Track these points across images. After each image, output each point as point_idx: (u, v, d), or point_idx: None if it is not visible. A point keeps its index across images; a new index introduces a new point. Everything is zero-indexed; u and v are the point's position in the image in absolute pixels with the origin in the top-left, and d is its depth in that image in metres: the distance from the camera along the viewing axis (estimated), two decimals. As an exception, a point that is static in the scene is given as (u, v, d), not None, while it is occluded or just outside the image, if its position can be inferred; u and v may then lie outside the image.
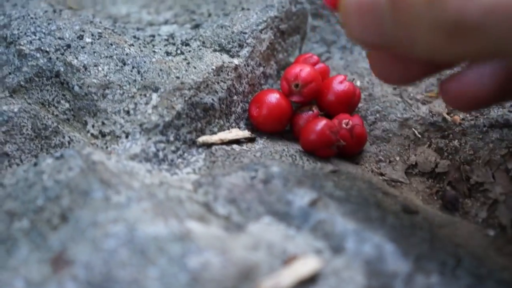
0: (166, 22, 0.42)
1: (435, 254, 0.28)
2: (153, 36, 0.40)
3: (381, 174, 0.36)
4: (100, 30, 0.38)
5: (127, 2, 0.46)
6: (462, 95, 0.27)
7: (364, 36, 0.26)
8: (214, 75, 0.36)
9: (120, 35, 0.38)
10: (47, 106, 0.35)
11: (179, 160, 0.34)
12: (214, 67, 0.36)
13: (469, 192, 0.34)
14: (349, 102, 0.38)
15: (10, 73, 0.36)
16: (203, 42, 0.38)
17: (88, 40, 0.37)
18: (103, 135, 0.34)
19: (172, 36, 0.40)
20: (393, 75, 0.29)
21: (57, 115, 0.35)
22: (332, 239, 0.27)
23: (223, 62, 0.37)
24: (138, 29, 0.41)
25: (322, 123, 0.35)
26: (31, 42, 0.36)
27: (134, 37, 0.39)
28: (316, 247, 0.27)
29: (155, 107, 0.34)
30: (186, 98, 0.34)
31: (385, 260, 0.27)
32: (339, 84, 0.37)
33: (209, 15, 0.42)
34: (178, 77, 0.35)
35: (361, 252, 0.27)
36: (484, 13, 0.21)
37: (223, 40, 0.38)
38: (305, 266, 0.26)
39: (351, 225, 0.28)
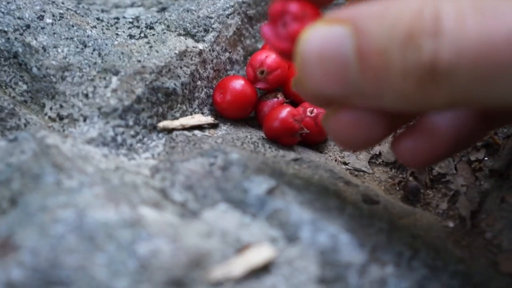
0: (132, 5, 0.41)
1: (392, 245, 0.28)
2: (118, 18, 0.39)
3: (345, 163, 0.36)
4: (61, 11, 0.37)
5: (94, -17, 0.45)
6: (417, 152, 0.27)
7: (325, 87, 0.24)
8: (177, 60, 0.35)
9: (82, 16, 0.38)
10: (4, 88, 0.34)
11: (138, 145, 0.33)
12: (177, 52, 0.35)
13: (431, 183, 0.34)
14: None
15: (-33, 53, 0.35)
16: (168, 26, 0.38)
17: (49, 20, 0.36)
18: (61, 118, 0.33)
19: (137, 18, 0.39)
20: (356, 138, 0.26)
21: (14, 97, 0.34)
22: (287, 228, 0.27)
23: (187, 47, 0.36)
24: (102, 10, 0.40)
25: (285, 110, 0.34)
26: (-11, 21, 0.35)
27: (98, 19, 0.38)
28: (271, 235, 0.27)
29: (114, 90, 0.33)
30: (147, 82, 0.34)
31: (340, 251, 0.26)
32: (305, 72, 0.37)
33: (176, -2, 0.41)
34: (139, 61, 0.34)
35: (315, 242, 0.26)
36: (456, 57, 0.21)
37: (188, 25, 0.38)
38: (258, 254, 0.26)
39: (308, 214, 0.28)
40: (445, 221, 0.32)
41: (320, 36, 0.24)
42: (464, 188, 0.33)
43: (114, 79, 0.33)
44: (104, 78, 0.34)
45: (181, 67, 0.35)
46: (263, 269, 0.25)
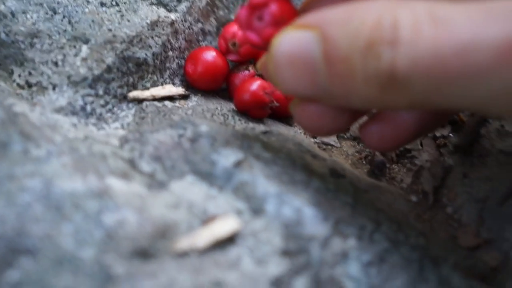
0: (104, -29, 0.41)
1: (355, 219, 0.28)
2: (89, -16, 0.38)
3: (313, 137, 0.37)
4: (31, -24, 0.36)
5: None
6: (382, 138, 0.28)
7: (296, 88, 0.26)
8: (149, 30, 0.35)
9: (53, -18, 0.37)
10: (-29, 53, 0.34)
11: (108, 114, 0.33)
12: (148, 21, 0.35)
13: (397, 158, 0.35)
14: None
15: None
16: (140, -6, 0.37)
17: (18, -15, 0.35)
18: (30, 85, 0.33)
19: (109, -15, 0.38)
20: (321, 127, 0.28)
21: (-19, 63, 0.34)
22: (253, 201, 0.28)
23: (159, 17, 0.36)
24: (74, -24, 0.39)
25: (256, 83, 0.35)
26: (-44, -16, 0.35)
27: (69, -16, 0.38)
28: (237, 208, 0.27)
29: (84, 59, 0.33)
30: (118, 52, 0.33)
31: (304, 224, 0.27)
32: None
33: (149, -34, 0.40)
34: (110, 30, 0.34)
35: (280, 214, 0.27)
36: (412, 65, 0.21)
37: (160, -7, 0.37)
38: (224, 226, 0.26)
39: (274, 187, 0.28)
40: (409, 195, 0.33)
41: (290, 41, 0.25)
42: (428, 163, 0.34)
43: (84, 47, 0.33)
44: (74, 46, 0.33)
45: (152, 37, 0.35)
46: (229, 241, 0.26)
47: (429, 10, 0.22)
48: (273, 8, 0.26)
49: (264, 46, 0.27)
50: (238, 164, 0.29)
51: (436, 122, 0.29)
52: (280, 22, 0.26)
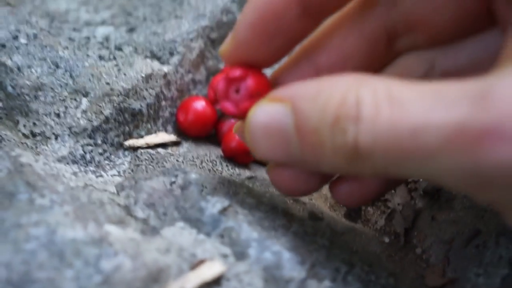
0: (103, 23, 0.44)
1: (331, 261, 0.31)
2: (88, 38, 0.41)
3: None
4: (35, 31, 0.39)
5: (67, -4, 0.48)
6: (351, 195, 0.31)
7: (271, 156, 0.28)
8: (143, 82, 0.38)
9: (55, 36, 0.40)
10: (-20, 105, 0.37)
11: (106, 162, 0.36)
12: (143, 75, 0.38)
13: (372, 201, 0.38)
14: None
15: None
16: (136, 48, 0.40)
17: (23, 41, 0.38)
18: (34, 135, 0.36)
19: (107, 38, 0.41)
20: (295, 189, 0.31)
21: (-11, 114, 0.37)
22: (237, 246, 0.30)
23: (153, 70, 0.39)
24: (74, 29, 0.42)
25: (242, 131, 0.38)
26: (-34, 40, 0.38)
27: (70, 38, 0.41)
28: (223, 252, 0.30)
29: (84, 111, 0.36)
30: (115, 104, 0.36)
31: (283, 267, 0.30)
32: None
33: (144, 19, 0.43)
34: (108, 83, 0.37)
35: (262, 258, 0.30)
36: (373, 142, 0.23)
37: (154, 47, 0.41)
38: (210, 269, 0.29)
39: (256, 233, 0.31)
40: (382, 236, 0.36)
41: (265, 113, 0.27)
42: (400, 206, 0.37)
43: (84, 100, 0.36)
44: (75, 99, 0.36)
45: (146, 89, 0.38)
46: (215, 283, 0.29)
47: (388, 89, 0.23)
48: (249, 82, 0.29)
49: (240, 116, 0.30)
50: (224, 211, 0.32)
51: (400, 180, 0.32)
52: (255, 95, 0.29)
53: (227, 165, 0.37)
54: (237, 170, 0.37)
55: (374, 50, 0.31)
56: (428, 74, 0.31)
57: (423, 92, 0.23)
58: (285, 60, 0.32)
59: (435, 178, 0.23)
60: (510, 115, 0.20)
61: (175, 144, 0.39)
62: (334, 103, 0.25)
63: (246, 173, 0.37)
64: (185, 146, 0.39)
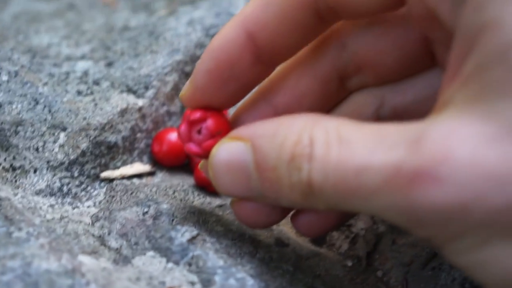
0: (83, 57, 0.46)
1: (294, 286, 0.33)
2: (68, 73, 0.43)
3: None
4: (16, 68, 0.41)
5: (49, 31, 0.50)
6: (310, 226, 0.33)
7: (233, 191, 0.30)
8: (119, 116, 0.40)
9: (35, 73, 0.42)
10: (-37, 140, 0.39)
11: (82, 193, 0.38)
12: (119, 109, 0.40)
13: (331, 231, 0.40)
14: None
15: None
16: (112, 83, 0.43)
17: (5, 78, 0.40)
18: (14, 169, 0.38)
19: (86, 73, 0.44)
20: (257, 222, 0.32)
21: (-28, 149, 0.39)
22: (203, 273, 0.32)
23: (128, 104, 0.41)
24: (55, 64, 0.44)
25: (213, 161, 0.40)
26: (-50, 79, 0.40)
27: (50, 74, 0.43)
28: (190, 280, 0.32)
29: (62, 146, 0.38)
30: (91, 138, 0.39)
31: (246, 293, 0.32)
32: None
33: (122, 53, 0.46)
34: (85, 118, 0.39)
35: (226, 285, 0.32)
36: (323, 179, 0.25)
37: (130, 82, 0.43)
38: (178, 297, 0.31)
39: (222, 260, 0.33)
40: (345, 260, 0.38)
41: (226, 151, 0.29)
42: (363, 231, 0.39)
43: (62, 134, 0.38)
44: (53, 134, 0.38)
45: (122, 123, 0.40)
46: (182, 309, 0.31)
47: (337, 130, 0.25)
48: (209, 123, 0.31)
49: (204, 155, 0.32)
50: (192, 240, 0.34)
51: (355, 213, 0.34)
52: (216, 134, 0.31)
53: (198, 194, 0.39)
54: (208, 199, 0.39)
55: (326, 89, 0.33)
56: (379, 110, 0.34)
57: (367, 134, 0.24)
58: (244, 100, 0.34)
59: (378, 214, 0.25)
60: (439, 159, 0.22)
61: (150, 174, 0.41)
62: (290, 142, 0.26)
63: (216, 201, 0.39)
64: (160, 176, 0.41)
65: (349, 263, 0.38)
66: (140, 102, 0.42)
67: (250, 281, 0.32)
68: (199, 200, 0.39)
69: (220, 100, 0.32)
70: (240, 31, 0.30)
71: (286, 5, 0.30)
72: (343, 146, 0.25)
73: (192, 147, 0.32)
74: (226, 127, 0.32)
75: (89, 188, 0.38)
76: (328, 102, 0.34)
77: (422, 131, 0.23)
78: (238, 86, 0.32)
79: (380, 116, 0.34)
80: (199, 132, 0.32)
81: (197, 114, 0.32)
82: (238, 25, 0.30)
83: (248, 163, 0.28)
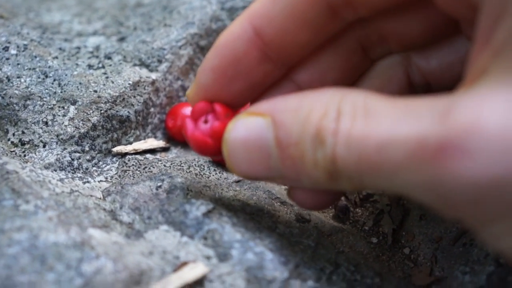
0: (94, 33, 0.44)
1: (316, 261, 0.31)
2: (79, 48, 0.42)
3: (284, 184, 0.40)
4: (26, 42, 0.40)
5: (61, 9, 0.48)
6: (307, 200, 0.31)
7: (250, 171, 0.28)
8: (131, 90, 0.39)
9: (45, 47, 0.41)
10: (-30, 115, 0.38)
11: (94, 168, 0.36)
12: (131, 82, 0.39)
13: (360, 202, 0.38)
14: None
15: None
16: (124, 57, 0.41)
17: (13, 52, 0.39)
18: (23, 143, 0.36)
19: (97, 48, 0.42)
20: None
21: (-21, 124, 0.37)
22: (220, 247, 0.31)
23: (141, 77, 0.39)
24: (65, 40, 0.43)
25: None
26: (-43, 53, 0.39)
27: (60, 49, 0.41)
28: (206, 254, 0.30)
29: (71, 119, 0.36)
30: (102, 111, 0.37)
31: (265, 267, 0.30)
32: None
33: (135, 28, 0.44)
34: (95, 91, 0.37)
35: (244, 260, 0.30)
36: (346, 155, 0.23)
37: (143, 55, 0.41)
38: (193, 271, 0.29)
39: (239, 234, 0.31)
40: (370, 237, 0.36)
41: (243, 126, 0.27)
42: (388, 207, 0.37)
43: (72, 108, 0.37)
44: (63, 107, 0.37)
45: (134, 96, 0.39)
46: (197, 284, 0.29)
47: (365, 102, 0.23)
48: (218, 107, 0.30)
49: (214, 143, 0.30)
50: (208, 213, 0.32)
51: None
52: (225, 117, 0.29)
53: (215, 170, 0.38)
54: (224, 174, 0.37)
55: (350, 61, 0.31)
56: (408, 72, 0.32)
57: (395, 107, 0.23)
58: None
59: (405, 193, 0.23)
60: (467, 130, 0.20)
61: (164, 150, 0.39)
62: (316, 115, 0.24)
63: (233, 177, 0.37)
64: (174, 152, 0.39)
65: (374, 240, 0.36)
66: (153, 76, 0.40)
67: (269, 255, 0.30)
68: (215, 175, 0.37)
69: (226, 98, 0.30)
70: (246, 27, 0.29)
71: (296, 0, 0.28)
72: (368, 119, 0.23)
73: (203, 137, 0.30)
74: (232, 112, 0.30)
75: (100, 163, 0.37)
76: (353, 74, 0.32)
77: (452, 103, 0.21)
78: (245, 84, 0.30)
79: (411, 80, 0.32)
80: (205, 122, 0.30)
81: (201, 104, 0.30)
82: (245, 20, 0.29)
83: (268, 139, 0.26)
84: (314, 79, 0.32)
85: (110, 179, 0.36)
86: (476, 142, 0.19)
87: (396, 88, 0.32)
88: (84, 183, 0.35)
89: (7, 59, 0.39)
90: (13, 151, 0.36)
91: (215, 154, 0.30)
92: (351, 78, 0.33)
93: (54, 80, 0.38)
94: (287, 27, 0.29)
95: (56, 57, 0.40)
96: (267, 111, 0.27)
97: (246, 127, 0.27)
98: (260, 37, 0.29)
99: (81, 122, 0.36)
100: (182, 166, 0.37)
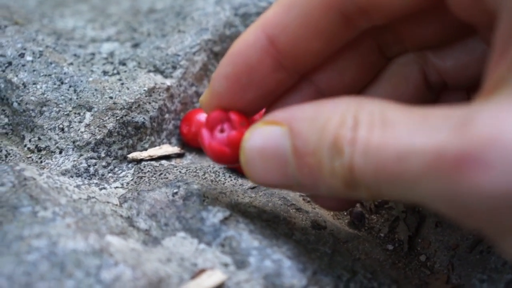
0: (108, 39, 0.45)
1: (333, 268, 0.31)
2: (94, 54, 0.42)
3: (299, 190, 0.39)
4: (41, 49, 0.40)
5: (74, 14, 0.49)
6: (329, 203, 0.32)
7: (267, 179, 0.28)
8: (146, 96, 0.39)
9: (60, 53, 0.41)
10: (-14, 121, 0.38)
11: (110, 174, 0.36)
12: (146, 88, 0.39)
13: (376, 209, 0.38)
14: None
15: (-47, 88, 0.38)
16: (139, 63, 0.41)
17: (29, 58, 0.39)
18: (39, 150, 0.36)
19: (111, 54, 0.42)
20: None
21: (-4, 130, 0.37)
22: (237, 254, 0.31)
23: (155, 84, 0.40)
24: (80, 46, 0.43)
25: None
26: (-26, 59, 0.39)
27: (75, 55, 0.41)
28: (223, 261, 0.30)
29: (87, 125, 0.36)
30: (118, 118, 0.37)
31: (283, 275, 0.30)
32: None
33: (149, 34, 0.44)
34: (111, 97, 0.38)
35: (262, 267, 0.30)
36: (364, 164, 0.23)
37: (157, 62, 0.41)
38: (211, 278, 0.29)
39: (256, 241, 0.31)
40: (386, 244, 0.36)
41: (260, 135, 0.27)
42: (404, 214, 0.37)
43: (88, 114, 0.37)
44: (79, 114, 0.37)
45: (149, 103, 0.39)
46: (215, 291, 0.29)
47: (382, 112, 0.23)
48: (233, 116, 0.30)
49: (232, 152, 0.30)
50: (225, 220, 0.32)
51: None
52: (240, 126, 0.29)
53: (230, 176, 0.38)
54: (239, 181, 0.37)
55: (367, 60, 0.32)
56: (424, 70, 0.32)
57: (412, 117, 0.23)
58: None
59: (424, 203, 0.23)
60: (487, 142, 0.20)
61: (179, 156, 0.39)
62: (333, 124, 0.24)
63: (248, 183, 0.37)
64: (189, 158, 0.39)
65: (390, 247, 0.36)
66: (168, 82, 0.40)
67: (287, 263, 0.30)
68: (230, 181, 0.37)
69: (239, 106, 0.30)
70: (260, 35, 0.29)
71: (310, 7, 0.28)
72: (386, 129, 0.23)
73: (219, 147, 0.30)
74: (247, 121, 0.30)
75: (116, 169, 0.37)
76: (370, 72, 0.32)
77: (470, 114, 0.21)
78: (259, 93, 0.30)
79: (427, 78, 0.32)
80: (221, 131, 0.30)
81: (216, 113, 0.30)
82: (258, 28, 0.29)
83: (285, 148, 0.26)
84: (331, 78, 0.32)
85: (126, 186, 0.36)
86: (495, 155, 0.20)
87: (413, 87, 0.32)
88: (101, 189, 0.35)
89: (23, 65, 0.39)
90: (30, 157, 0.36)
91: (233, 162, 0.30)
92: (369, 76, 0.33)
93: (70, 86, 0.38)
94: (301, 35, 0.29)
95: (71, 64, 0.40)
96: (284, 120, 0.27)
97: (263, 136, 0.27)
98: (273, 45, 0.29)
99: (97, 128, 0.36)
100: (198, 173, 0.37)
